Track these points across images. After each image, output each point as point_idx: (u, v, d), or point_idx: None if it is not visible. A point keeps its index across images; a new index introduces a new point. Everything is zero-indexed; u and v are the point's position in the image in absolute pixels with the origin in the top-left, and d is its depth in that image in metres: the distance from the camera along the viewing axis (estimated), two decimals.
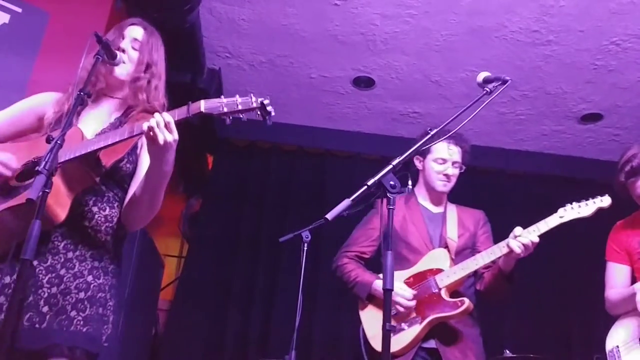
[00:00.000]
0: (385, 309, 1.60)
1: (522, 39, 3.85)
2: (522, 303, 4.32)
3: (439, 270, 2.54)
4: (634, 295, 2.35)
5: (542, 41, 3.86)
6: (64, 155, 1.60)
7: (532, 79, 4.25)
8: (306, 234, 3.24)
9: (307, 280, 3.24)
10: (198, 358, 4.41)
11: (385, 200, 2.79)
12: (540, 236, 2.39)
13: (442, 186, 2.72)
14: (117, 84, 1.90)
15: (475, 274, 2.65)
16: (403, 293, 2.50)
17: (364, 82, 4.45)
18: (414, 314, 2.51)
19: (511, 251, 2.37)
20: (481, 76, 2.01)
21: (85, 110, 1.88)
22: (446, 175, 2.70)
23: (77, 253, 1.70)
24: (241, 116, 1.62)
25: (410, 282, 2.57)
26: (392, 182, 1.68)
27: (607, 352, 2.46)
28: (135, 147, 1.83)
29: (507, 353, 3.44)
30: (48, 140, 1.57)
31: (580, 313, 4.59)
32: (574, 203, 2.43)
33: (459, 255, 2.61)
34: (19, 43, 2.80)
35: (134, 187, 1.78)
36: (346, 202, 1.67)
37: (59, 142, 1.49)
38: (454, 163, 2.72)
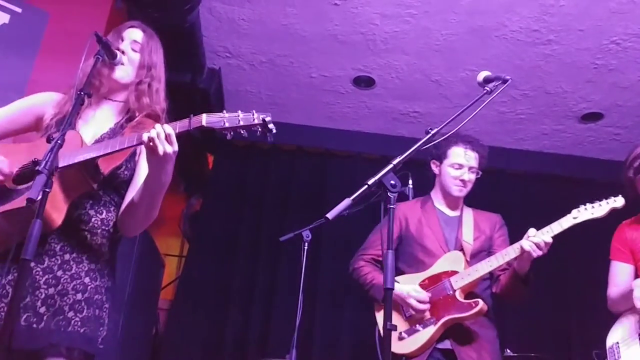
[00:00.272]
0: (386, 308, 1.61)
1: (522, 38, 3.85)
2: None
3: (454, 273, 2.57)
4: (632, 291, 2.36)
5: (542, 40, 3.86)
6: (63, 160, 1.60)
7: (532, 78, 4.25)
8: (307, 234, 3.24)
9: (307, 280, 3.25)
10: (198, 357, 4.41)
11: (401, 204, 2.81)
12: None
13: (458, 191, 2.75)
14: (118, 88, 1.90)
15: (492, 277, 2.68)
16: (417, 295, 2.54)
17: (364, 82, 4.45)
18: (428, 315, 2.54)
19: (524, 252, 2.39)
20: (481, 75, 2.01)
21: (85, 112, 1.88)
22: (462, 180, 2.74)
23: (74, 255, 1.70)
24: (242, 132, 1.62)
25: (425, 285, 2.60)
26: (392, 182, 1.68)
27: (607, 349, 2.47)
28: (133, 153, 1.83)
29: (508, 352, 3.44)
30: (49, 140, 1.57)
31: (581, 312, 4.59)
32: (587, 204, 2.45)
33: (475, 258, 2.63)
34: (18, 43, 2.80)
35: (131, 193, 1.78)
36: (347, 202, 1.67)
37: (59, 141, 1.49)
38: (470, 168, 2.74)
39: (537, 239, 2.37)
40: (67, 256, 1.69)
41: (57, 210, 1.61)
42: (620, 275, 2.56)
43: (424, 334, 2.51)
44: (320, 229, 3.72)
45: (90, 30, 1.78)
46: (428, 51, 4.04)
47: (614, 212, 2.42)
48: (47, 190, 1.41)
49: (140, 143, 1.61)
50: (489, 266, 2.51)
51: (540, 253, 2.38)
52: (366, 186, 1.68)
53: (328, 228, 4.33)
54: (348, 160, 5.12)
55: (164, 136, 1.57)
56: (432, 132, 1.84)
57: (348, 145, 5.15)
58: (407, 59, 4.15)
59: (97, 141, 1.80)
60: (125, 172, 1.81)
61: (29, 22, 2.84)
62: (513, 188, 5.13)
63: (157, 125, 1.59)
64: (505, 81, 1.93)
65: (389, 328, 1.59)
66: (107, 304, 1.74)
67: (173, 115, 1.97)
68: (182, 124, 1.62)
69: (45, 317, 1.60)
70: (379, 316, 2.66)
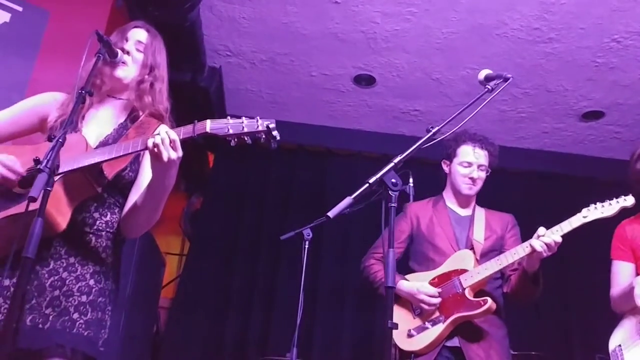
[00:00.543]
0: (387, 306, 1.61)
1: (523, 36, 3.84)
2: None
3: (464, 271, 2.58)
4: (633, 289, 2.36)
5: (543, 39, 3.86)
6: (68, 164, 1.60)
7: (533, 77, 4.25)
8: (307, 232, 3.24)
9: (308, 279, 3.25)
10: (199, 356, 4.41)
11: (413, 204, 2.82)
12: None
13: (468, 189, 2.77)
14: (121, 87, 1.90)
15: (503, 276, 2.68)
16: (427, 290, 2.55)
17: (364, 80, 4.45)
18: (437, 313, 2.55)
19: (534, 251, 2.39)
20: (482, 74, 2.01)
21: (89, 112, 1.87)
22: (471, 178, 2.75)
23: (79, 257, 1.70)
24: (246, 138, 1.62)
25: (435, 283, 2.62)
26: (393, 180, 1.68)
27: (610, 352, 2.46)
28: (138, 155, 1.82)
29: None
30: (50, 139, 1.57)
31: (582, 311, 4.59)
32: (597, 203, 2.45)
33: (485, 257, 2.64)
34: (19, 42, 2.80)
35: (135, 195, 1.78)
36: (347, 200, 1.67)
37: (60, 140, 1.49)
38: (479, 166, 2.76)
39: (548, 238, 2.37)
40: (72, 259, 1.69)
41: (61, 214, 1.61)
42: (621, 274, 2.55)
43: (433, 332, 2.52)
44: (321, 227, 3.72)
45: (91, 28, 1.78)
46: (429, 49, 4.04)
47: (623, 211, 2.42)
48: (49, 189, 1.41)
49: (145, 149, 1.61)
50: (498, 265, 2.51)
51: (549, 253, 2.38)
52: (367, 184, 1.68)
53: (329, 227, 4.33)
54: (349, 158, 5.12)
55: (168, 142, 1.57)
56: (433, 130, 1.84)
57: (349, 144, 5.15)
58: (408, 57, 4.15)
59: (101, 143, 1.80)
60: (130, 174, 1.81)
61: (29, 20, 2.84)
62: (513, 186, 5.11)
63: (162, 131, 1.59)
64: (506, 79, 1.93)
65: (390, 326, 1.59)
66: (109, 307, 1.74)
67: (174, 114, 1.97)
68: (186, 130, 1.62)
69: (50, 317, 1.61)
70: None
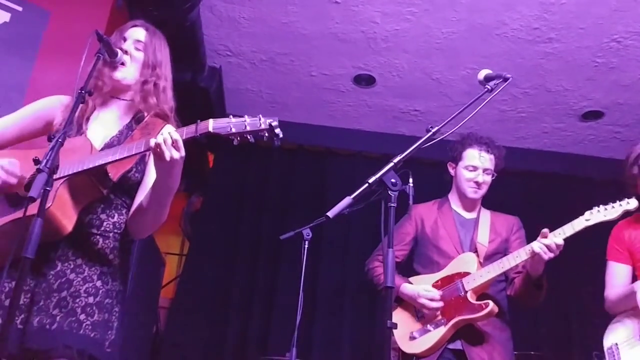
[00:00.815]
0: (386, 307, 1.61)
1: (523, 36, 3.84)
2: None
3: (467, 274, 2.58)
4: (634, 293, 2.35)
5: (542, 39, 3.86)
6: (73, 167, 1.60)
7: (532, 77, 4.25)
8: (307, 232, 3.23)
9: (308, 279, 3.25)
10: (198, 355, 4.41)
11: (418, 206, 2.81)
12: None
13: (473, 193, 2.76)
14: (122, 88, 1.89)
15: (507, 279, 2.68)
16: (427, 294, 2.55)
17: (364, 80, 4.45)
18: (439, 316, 2.55)
19: (535, 254, 2.38)
20: (482, 74, 2.00)
21: (93, 114, 1.87)
22: (477, 182, 2.75)
23: (86, 259, 1.71)
24: (249, 137, 1.61)
25: (438, 285, 2.62)
26: (393, 180, 1.68)
27: (605, 349, 2.46)
28: (144, 156, 1.82)
29: None
30: (50, 139, 1.57)
31: (581, 311, 4.59)
32: (600, 206, 2.43)
33: (489, 259, 2.63)
34: (19, 42, 2.79)
35: (141, 195, 1.78)
36: (347, 200, 1.67)
37: (60, 140, 1.49)
38: (485, 170, 2.76)
39: (548, 240, 2.36)
40: (79, 260, 1.69)
41: (67, 217, 1.61)
42: (617, 276, 2.55)
43: (435, 334, 2.52)
44: (321, 227, 3.71)
45: (91, 28, 1.77)
46: (428, 49, 4.04)
47: (627, 214, 2.41)
48: (48, 188, 1.41)
49: (148, 149, 1.61)
50: (500, 268, 2.51)
51: (551, 255, 2.36)
52: (367, 184, 1.68)
53: (328, 227, 4.33)
54: (348, 158, 5.12)
55: (170, 142, 1.57)
56: (433, 130, 1.83)
57: (348, 144, 5.15)
58: (408, 57, 4.15)
59: (107, 145, 1.80)
60: (136, 175, 1.81)
61: (29, 20, 2.84)
62: (513, 186, 5.11)
63: (164, 131, 1.58)
64: (506, 79, 1.93)
65: (389, 326, 1.59)
66: (117, 308, 1.74)
67: (175, 114, 1.97)
68: (189, 130, 1.61)
69: (58, 319, 1.61)
70: (394, 315, 2.68)
